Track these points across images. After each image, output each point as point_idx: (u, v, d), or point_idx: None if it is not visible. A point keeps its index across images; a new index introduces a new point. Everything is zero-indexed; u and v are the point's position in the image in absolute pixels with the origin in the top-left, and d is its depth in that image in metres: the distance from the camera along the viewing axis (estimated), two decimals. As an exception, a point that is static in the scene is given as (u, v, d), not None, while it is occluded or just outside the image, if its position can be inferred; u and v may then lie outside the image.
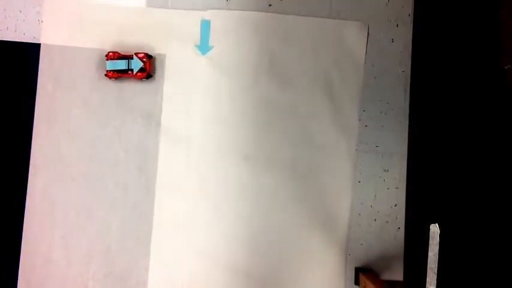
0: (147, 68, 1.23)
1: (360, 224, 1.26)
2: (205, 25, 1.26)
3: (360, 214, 1.26)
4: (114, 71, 1.22)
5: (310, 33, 1.27)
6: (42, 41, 1.27)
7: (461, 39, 1.27)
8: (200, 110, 1.27)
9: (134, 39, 1.27)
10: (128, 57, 1.22)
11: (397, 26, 1.29)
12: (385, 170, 1.26)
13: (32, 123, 1.27)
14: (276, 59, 1.27)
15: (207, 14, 1.27)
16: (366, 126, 1.27)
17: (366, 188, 1.26)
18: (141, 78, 1.23)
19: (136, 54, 1.22)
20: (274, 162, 1.26)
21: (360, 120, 1.27)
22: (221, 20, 1.27)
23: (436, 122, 1.27)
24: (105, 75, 1.24)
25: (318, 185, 1.25)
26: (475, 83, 1.26)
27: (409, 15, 1.29)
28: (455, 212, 1.24)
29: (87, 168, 1.27)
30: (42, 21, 1.28)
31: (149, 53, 1.25)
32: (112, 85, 1.27)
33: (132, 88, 1.27)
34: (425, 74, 1.29)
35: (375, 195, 1.26)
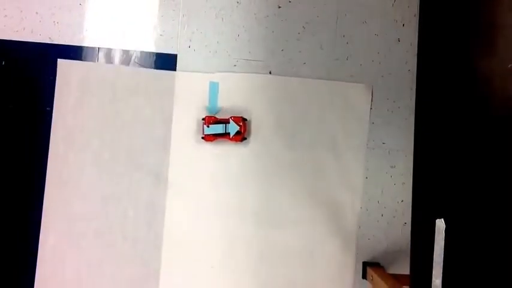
0: (243, 131, 1.26)
1: (367, 219, 1.28)
2: (214, 87, 1.29)
3: (367, 210, 1.28)
4: (212, 134, 1.26)
5: (316, 95, 1.30)
6: (54, 104, 1.30)
7: (467, 39, 1.29)
8: (207, 168, 1.29)
9: (140, 100, 1.30)
10: (225, 122, 1.26)
11: (403, 25, 1.31)
12: (391, 166, 1.29)
13: (44, 181, 1.30)
14: (283, 119, 1.29)
15: (215, 77, 1.30)
16: (373, 123, 1.29)
17: (373, 184, 1.29)
18: (236, 141, 1.26)
19: (232, 117, 1.25)
20: (281, 219, 1.28)
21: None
22: (229, 82, 1.30)
23: (442, 119, 1.29)
24: (202, 138, 1.27)
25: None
26: (480, 81, 1.28)
27: (415, 15, 1.31)
28: (460, 207, 1.25)
29: (97, 225, 1.29)
30: (57, 23, 1.32)
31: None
32: (120, 143, 1.29)
33: (141, 146, 1.30)
34: (431, 72, 1.31)
35: (382, 191, 1.28)
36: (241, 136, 1.26)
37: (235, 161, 1.29)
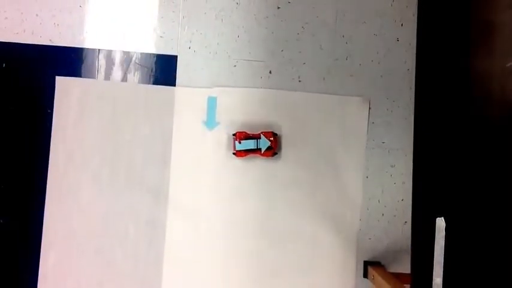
0: (274, 147, 1.26)
1: (368, 218, 1.29)
2: (212, 101, 1.30)
3: (368, 209, 1.29)
4: (243, 150, 1.26)
5: (314, 109, 1.30)
6: (53, 121, 1.30)
7: (466, 38, 1.30)
8: (208, 184, 1.29)
9: (140, 116, 1.31)
10: (256, 137, 1.25)
11: (402, 25, 1.32)
12: (391, 166, 1.29)
13: (44, 198, 1.30)
14: (281, 133, 1.30)
15: (213, 91, 1.30)
16: (373, 123, 1.30)
17: (374, 184, 1.29)
18: (267, 157, 1.26)
19: (263, 133, 1.25)
20: (280, 233, 1.28)
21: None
22: (227, 96, 1.30)
23: (441, 118, 1.30)
24: (234, 154, 1.27)
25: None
26: (479, 80, 1.28)
27: (413, 14, 1.32)
28: (460, 206, 1.26)
29: (97, 242, 1.29)
30: (57, 25, 1.32)
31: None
32: (120, 159, 1.30)
33: (141, 163, 1.30)
34: (430, 72, 1.32)
35: (382, 190, 1.29)
36: (272, 151, 1.26)
37: (234, 176, 1.29)
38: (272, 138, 1.25)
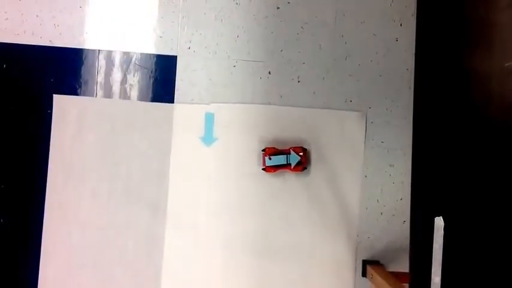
0: (304, 161, 1.26)
1: (367, 217, 1.29)
2: (209, 118, 1.31)
3: (367, 208, 1.29)
4: (273, 166, 1.26)
5: (311, 124, 1.30)
6: (52, 137, 1.31)
7: (464, 38, 1.30)
8: (205, 199, 1.30)
9: (138, 132, 1.31)
10: (286, 152, 1.26)
11: (401, 25, 1.32)
12: (390, 165, 1.29)
13: (43, 213, 1.30)
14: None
15: (211, 107, 1.31)
16: (372, 123, 1.30)
17: (373, 183, 1.29)
18: (297, 172, 1.26)
19: (292, 148, 1.26)
20: (278, 247, 1.29)
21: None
22: (224, 112, 1.31)
23: (440, 118, 1.30)
24: (263, 169, 1.27)
25: (319, 266, 1.29)
26: (477, 79, 1.29)
27: (413, 15, 1.32)
28: (459, 205, 1.27)
29: (96, 257, 1.30)
30: (58, 25, 1.33)
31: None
32: (118, 175, 1.31)
33: (140, 179, 1.31)
34: (429, 71, 1.33)
35: (381, 190, 1.29)
36: (302, 166, 1.26)
37: (232, 191, 1.30)
38: (302, 153, 1.25)
